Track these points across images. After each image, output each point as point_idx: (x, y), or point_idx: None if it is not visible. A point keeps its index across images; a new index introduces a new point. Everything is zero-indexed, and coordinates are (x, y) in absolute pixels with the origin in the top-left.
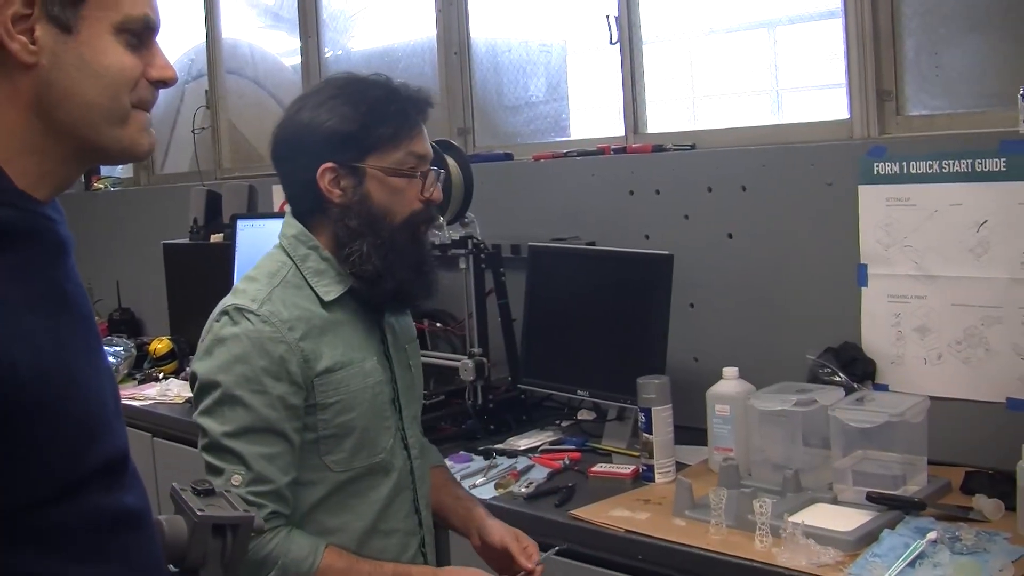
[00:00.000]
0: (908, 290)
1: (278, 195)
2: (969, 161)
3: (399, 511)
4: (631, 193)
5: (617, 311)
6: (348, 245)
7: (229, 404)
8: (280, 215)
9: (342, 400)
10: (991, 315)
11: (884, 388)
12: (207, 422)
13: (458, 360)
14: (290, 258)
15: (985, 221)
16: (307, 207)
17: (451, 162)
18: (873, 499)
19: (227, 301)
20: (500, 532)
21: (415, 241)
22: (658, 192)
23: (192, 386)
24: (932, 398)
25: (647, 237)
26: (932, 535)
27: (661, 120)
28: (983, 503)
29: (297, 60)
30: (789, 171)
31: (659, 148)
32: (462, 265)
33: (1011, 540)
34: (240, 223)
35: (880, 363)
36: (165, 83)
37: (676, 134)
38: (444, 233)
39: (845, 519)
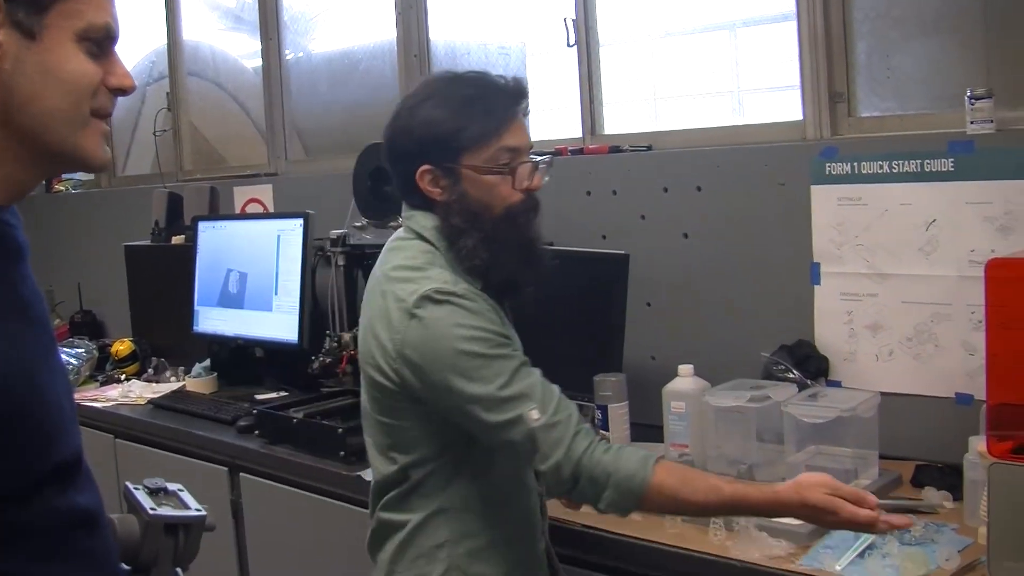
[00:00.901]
0: (860, 288)
1: (239, 197)
2: (918, 161)
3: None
4: (588, 194)
5: (574, 310)
6: (456, 242)
7: (484, 365)
8: (242, 216)
9: None
10: (940, 312)
11: (837, 384)
12: (473, 389)
13: None
14: (436, 248)
15: (934, 220)
16: (417, 204)
17: None
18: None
19: (414, 289)
20: None
21: (518, 231)
22: (615, 193)
23: (397, 374)
24: (884, 394)
25: (604, 237)
26: None
27: (624, 121)
28: (932, 495)
29: (258, 62)
30: (743, 172)
31: (616, 149)
32: None
33: (958, 531)
34: (201, 225)
35: (833, 360)
36: (124, 91)
37: (633, 135)
38: None
39: None
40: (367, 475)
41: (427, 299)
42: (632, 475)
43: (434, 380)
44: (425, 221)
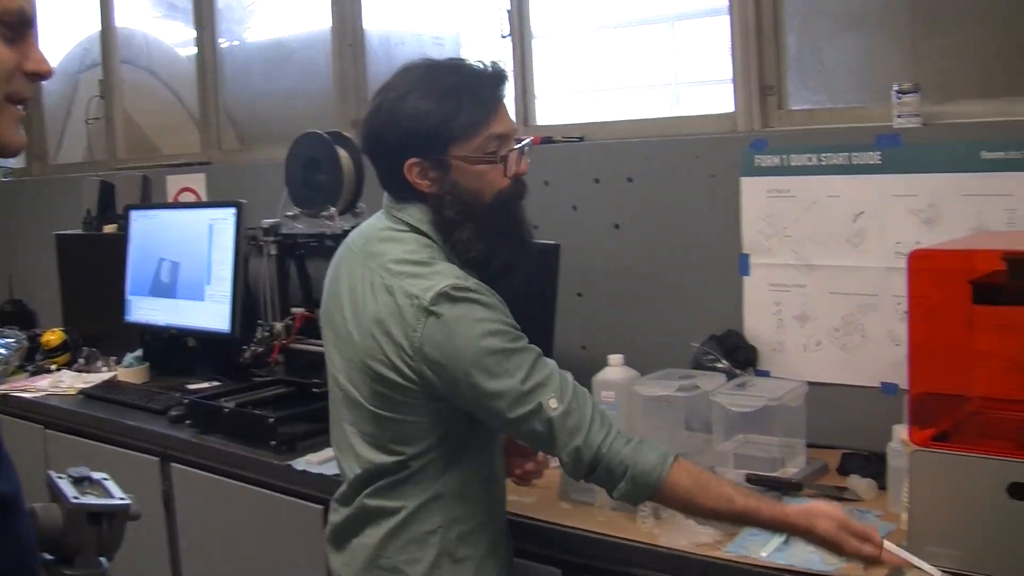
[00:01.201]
0: (788, 279)
1: (172, 186)
2: (846, 154)
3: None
4: None
5: (505, 300)
6: (451, 235)
7: (505, 357)
8: (174, 205)
9: None
10: (867, 303)
11: (766, 374)
12: (495, 385)
13: None
14: (435, 242)
15: (861, 212)
16: (404, 197)
17: (343, 153)
18: (752, 481)
19: (428, 285)
20: None
21: (509, 218)
22: (547, 183)
23: (412, 371)
24: (811, 383)
25: (536, 228)
26: None
27: (562, 113)
28: (857, 483)
29: (193, 50)
30: (674, 163)
31: (548, 140)
32: None
33: (882, 517)
34: (133, 214)
35: (762, 350)
36: (41, 76)
37: (565, 126)
38: (335, 223)
39: None
40: (298, 464)
41: (444, 296)
42: (649, 471)
43: (456, 377)
44: (420, 215)
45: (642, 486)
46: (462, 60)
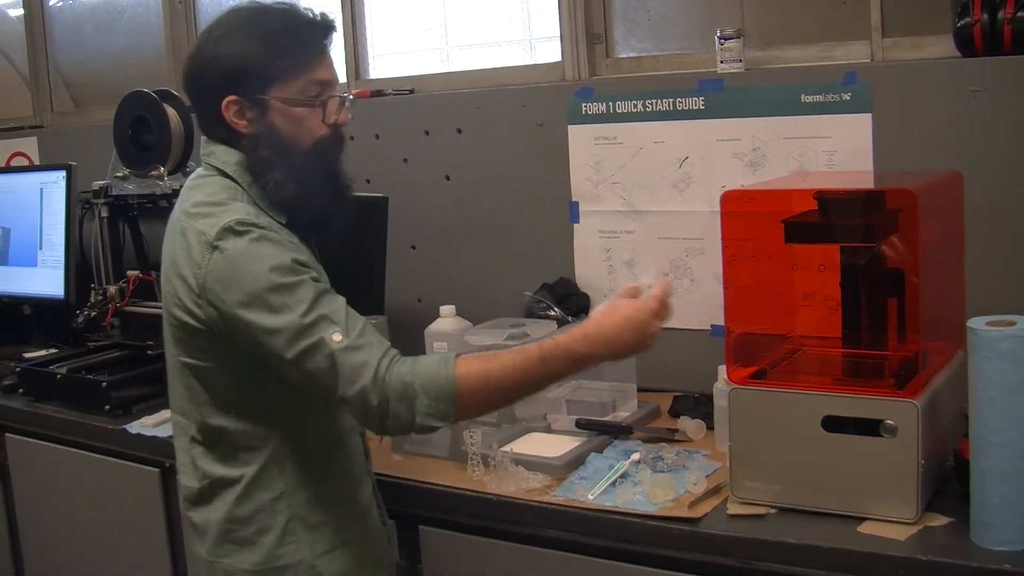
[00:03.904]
0: (617, 225)
1: (4, 151)
2: (671, 100)
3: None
4: (352, 138)
5: (336, 254)
6: (263, 176)
7: (287, 291)
8: (2, 170)
9: None
10: (694, 247)
11: None
12: (275, 321)
13: None
14: (238, 184)
15: (686, 157)
16: (220, 137)
17: (171, 111)
18: (582, 425)
19: (216, 222)
20: None
21: (326, 165)
22: (377, 136)
23: (202, 311)
24: None
25: (368, 181)
26: (636, 456)
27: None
28: (686, 424)
29: (21, 11)
30: (502, 113)
31: (378, 93)
32: None
33: (709, 457)
34: None
35: (594, 296)
36: None
37: (396, 79)
38: (165, 183)
39: (555, 446)
40: (132, 428)
41: (229, 231)
42: (435, 373)
43: (236, 312)
44: (227, 156)
45: (438, 391)
46: (292, 5)
